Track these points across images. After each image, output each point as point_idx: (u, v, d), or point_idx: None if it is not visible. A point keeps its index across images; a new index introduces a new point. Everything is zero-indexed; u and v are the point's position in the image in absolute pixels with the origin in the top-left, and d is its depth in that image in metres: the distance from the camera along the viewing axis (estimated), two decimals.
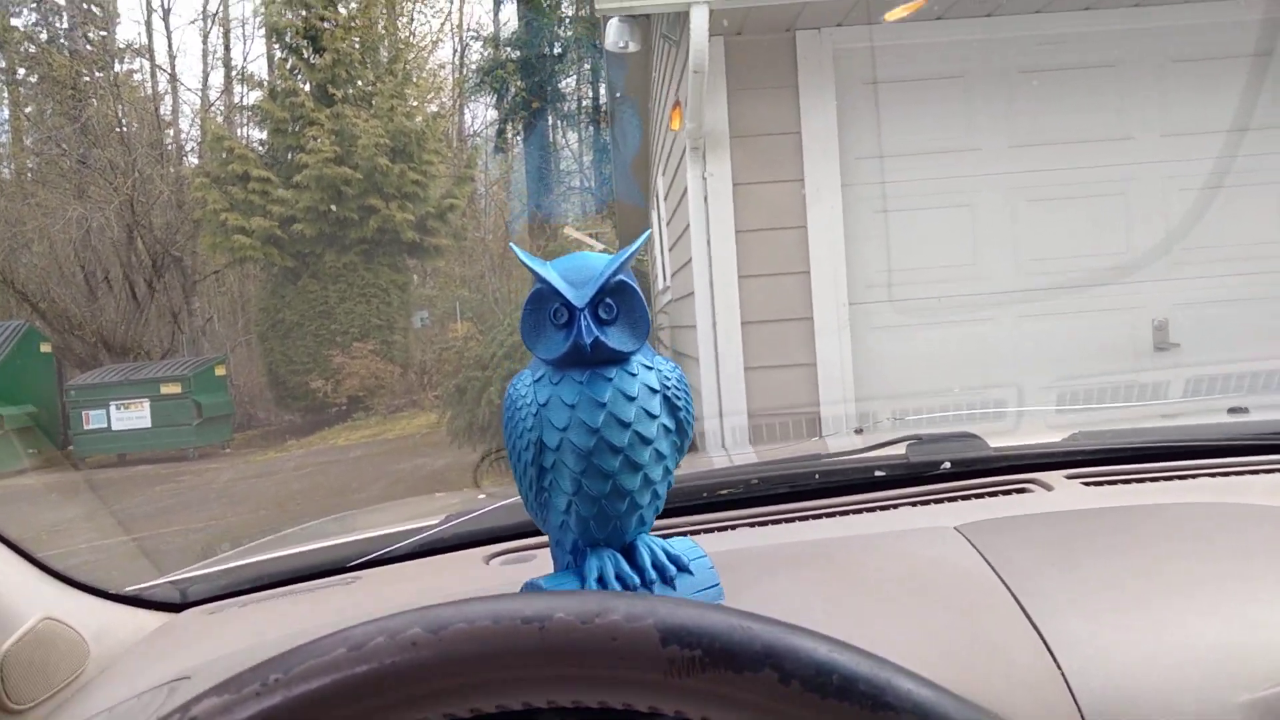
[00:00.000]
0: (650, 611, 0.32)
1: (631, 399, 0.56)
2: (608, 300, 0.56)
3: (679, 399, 0.59)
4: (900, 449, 1.05)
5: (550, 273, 0.56)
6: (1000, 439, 1.06)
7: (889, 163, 3.62)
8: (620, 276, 0.57)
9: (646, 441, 0.56)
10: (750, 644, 0.31)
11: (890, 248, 3.65)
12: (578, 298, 0.55)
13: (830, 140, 3.56)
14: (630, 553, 0.60)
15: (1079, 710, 0.54)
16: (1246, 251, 3.60)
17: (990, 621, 0.62)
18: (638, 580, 0.57)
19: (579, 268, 0.57)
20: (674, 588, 0.58)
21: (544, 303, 0.57)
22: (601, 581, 0.57)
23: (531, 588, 0.59)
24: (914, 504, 0.95)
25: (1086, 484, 0.96)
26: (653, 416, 0.57)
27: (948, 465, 1.00)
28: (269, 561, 1.00)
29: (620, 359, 0.56)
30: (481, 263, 16.24)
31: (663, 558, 0.59)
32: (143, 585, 0.93)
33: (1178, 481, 0.94)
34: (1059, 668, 0.57)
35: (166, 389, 11.44)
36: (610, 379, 0.56)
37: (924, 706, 0.31)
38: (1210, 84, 3.59)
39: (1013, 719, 0.53)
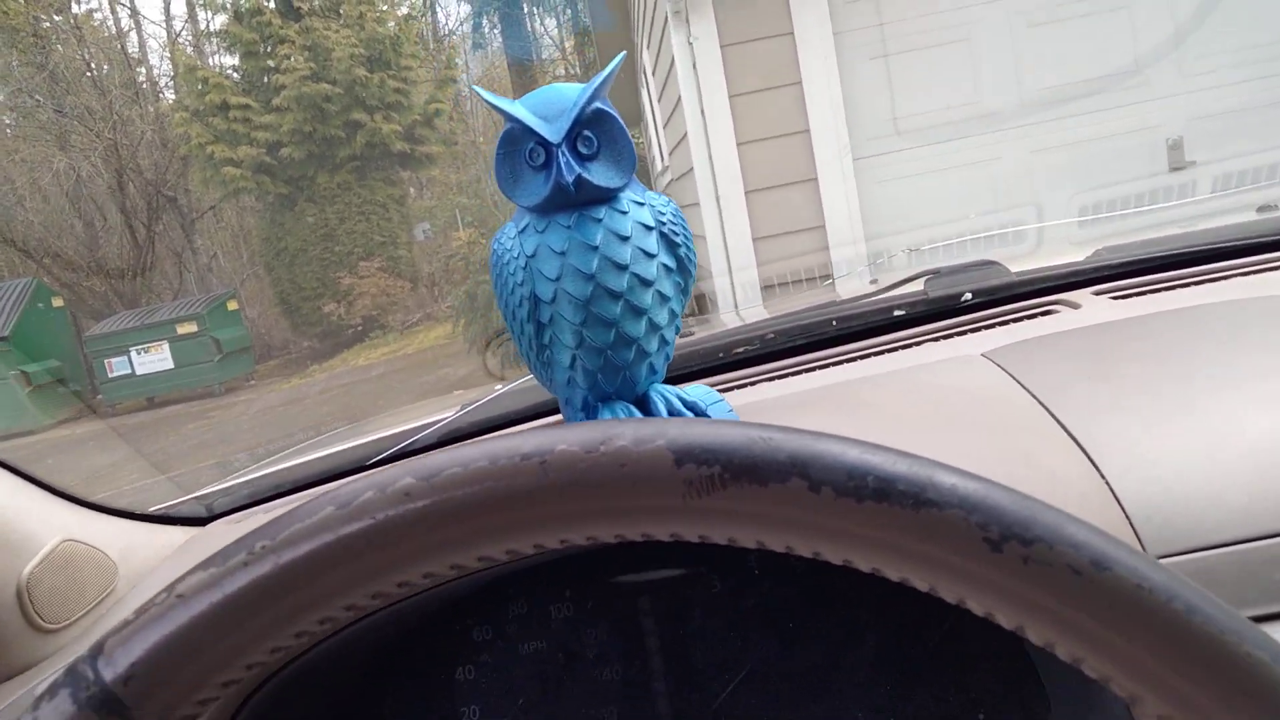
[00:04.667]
0: (660, 432, 0.29)
1: (625, 239, 0.52)
2: (586, 133, 0.51)
3: (677, 234, 0.55)
4: (919, 285, 1.01)
5: (520, 109, 0.52)
6: (1022, 263, 1.02)
7: (880, 3, 3.43)
8: (597, 104, 0.52)
9: (647, 284, 0.53)
10: (774, 454, 0.28)
11: (890, 93, 3.51)
12: (553, 132, 0.50)
13: None
14: (644, 404, 0.57)
15: (1125, 513, 0.52)
16: (1257, 54, 3.43)
17: (1024, 436, 0.59)
18: None
19: (550, 101, 0.52)
20: None
21: (517, 143, 0.53)
22: None
23: None
24: (937, 339, 0.91)
25: (1115, 298, 0.92)
26: (650, 256, 0.53)
27: (969, 296, 0.96)
28: (290, 469, 0.99)
29: (607, 196, 0.52)
30: (476, 166, 15.81)
31: (678, 404, 0.57)
32: (167, 504, 0.93)
33: (1208, 285, 0.90)
34: (1099, 472, 0.55)
35: (183, 329, 11.53)
36: (600, 219, 0.52)
37: (971, 500, 0.28)
38: None
39: None
